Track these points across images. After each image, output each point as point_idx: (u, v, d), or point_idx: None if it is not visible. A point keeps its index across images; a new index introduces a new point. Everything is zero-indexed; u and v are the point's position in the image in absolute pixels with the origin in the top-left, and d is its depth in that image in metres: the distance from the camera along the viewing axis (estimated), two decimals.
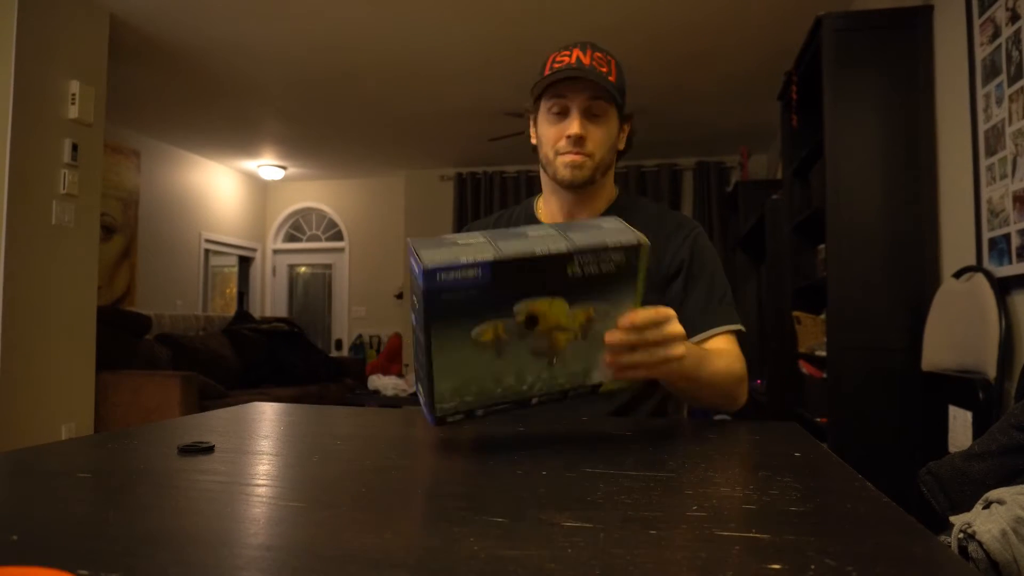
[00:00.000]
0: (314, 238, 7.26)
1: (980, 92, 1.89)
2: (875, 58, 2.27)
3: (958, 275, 1.96)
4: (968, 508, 0.92)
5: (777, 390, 3.53)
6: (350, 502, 0.53)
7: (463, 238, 0.68)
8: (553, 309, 0.68)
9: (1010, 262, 1.73)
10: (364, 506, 0.52)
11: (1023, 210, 1.68)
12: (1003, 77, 1.77)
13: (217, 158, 6.21)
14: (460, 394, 0.70)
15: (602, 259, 0.68)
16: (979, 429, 1.71)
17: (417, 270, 0.64)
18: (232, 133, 5.40)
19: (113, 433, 0.82)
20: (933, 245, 2.17)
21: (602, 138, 1.07)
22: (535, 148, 1.15)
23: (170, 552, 0.40)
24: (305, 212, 7.26)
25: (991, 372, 1.70)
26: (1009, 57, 1.74)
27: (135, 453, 0.72)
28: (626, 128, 1.15)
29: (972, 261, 1.92)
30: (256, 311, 6.91)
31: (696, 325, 1.07)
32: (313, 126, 5.21)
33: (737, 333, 1.09)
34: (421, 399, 0.74)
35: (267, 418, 0.98)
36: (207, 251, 6.29)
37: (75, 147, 3.05)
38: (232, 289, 7.04)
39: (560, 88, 1.06)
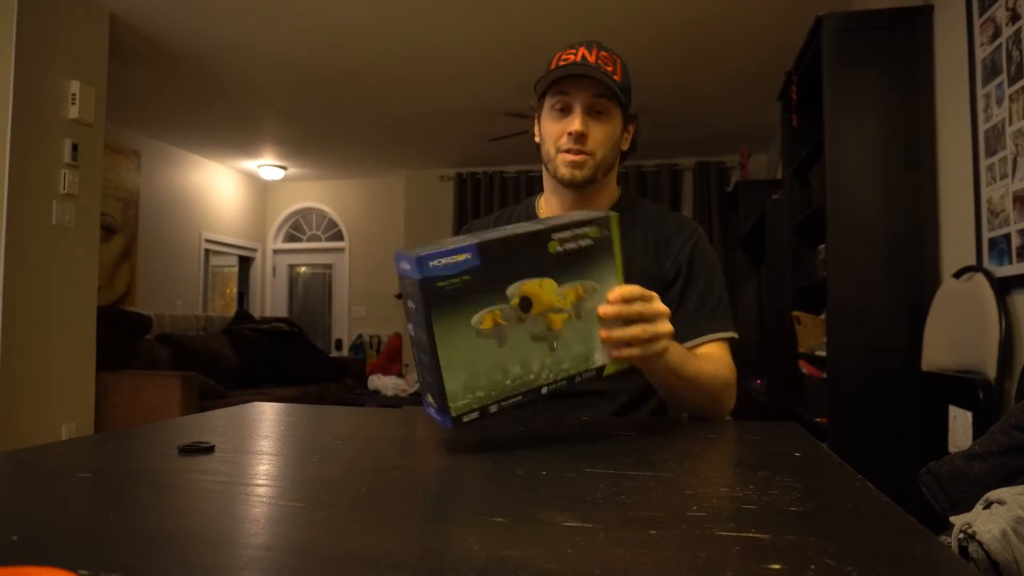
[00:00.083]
0: (314, 238, 7.26)
1: (980, 92, 1.89)
2: (875, 58, 2.27)
3: (958, 275, 1.96)
4: (968, 508, 0.92)
5: (777, 390, 3.53)
6: (350, 502, 0.53)
7: (448, 240, 0.72)
8: (544, 289, 0.72)
9: (1010, 262, 1.73)
10: (364, 506, 0.52)
11: (1023, 210, 1.68)
12: (1003, 77, 1.77)
13: (217, 158, 6.21)
14: (471, 390, 0.70)
15: (578, 234, 0.74)
16: (979, 429, 1.71)
17: (409, 265, 0.67)
18: (232, 133, 5.40)
19: (113, 433, 0.82)
20: (933, 245, 2.17)
21: (604, 137, 1.06)
22: (539, 146, 1.14)
23: (170, 552, 0.40)
24: (305, 212, 7.26)
25: (991, 372, 1.70)
26: (1009, 57, 1.74)
27: (135, 453, 0.72)
28: (631, 129, 1.14)
29: (972, 261, 1.92)
30: (256, 311, 6.91)
31: (689, 331, 1.06)
32: (313, 126, 5.21)
33: (731, 340, 1.09)
34: (432, 411, 0.72)
35: (267, 418, 0.98)
36: (207, 251, 6.29)
37: (75, 147, 3.05)
38: (232, 289, 7.04)
39: (563, 85, 1.05)
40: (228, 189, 6.57)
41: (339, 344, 6.94)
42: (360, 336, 6.81)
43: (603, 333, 0.76)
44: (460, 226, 6.06)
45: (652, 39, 3.50)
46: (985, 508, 0.88)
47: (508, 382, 0.72)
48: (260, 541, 0.43)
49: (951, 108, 2.10)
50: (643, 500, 0.52)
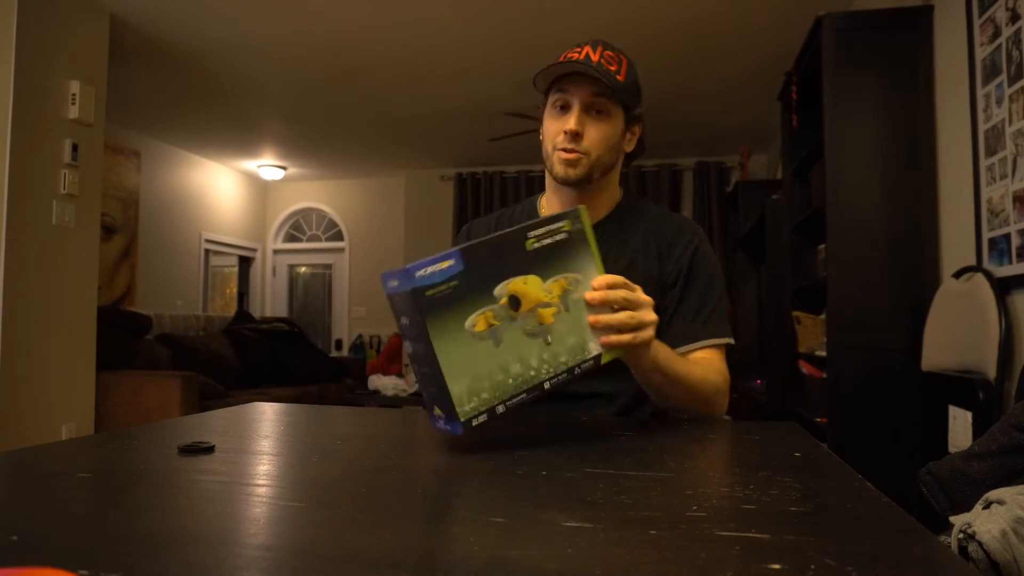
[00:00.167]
0: (314, 238, 7.26)
1: (980, 92, 1.89)
2: (875, 58, 2.27)
3: (958, 275, 1.96)
4: (968, 508, 0.92)
5: (777, 390, 3.53)
6: (350, 502, 0.54)
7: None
8: (529, 286, 0.75)
9: (1010, 262, 1.73)
10: (364, 506, 0.52)
11: (1023, 210, 1.68)
12: (1003, 77, 1.77)
13: (217, 158, 6.21)
14: (476, 392, 0.70)
15: (551, 229, 0.77)
16: (979, 429, 1.71)
17: (397, 281, 0.69)
18: (232, 133, 5.40)
19: (113, 433, 0.82)
20: (933, 245, 2.17)
21: (601, 136, 1.05)
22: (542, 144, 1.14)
23: (170, 552, 0.40)
24: (305, 212, 7.26)
25: (991, 372, 1.70)
26: (1009, 57, 1.74)
27: (135, 453, 0.72)
28: (635, 130, 1.12)
29: (972, 261, 1.92)
30: (256, 311, 6.91)
31: (685, 335, 1.06)
32: (313, 126, 5.21)
33: (726, 346, 1.09)
34: (441, 423, 0.73)
35: (267, 418, 0.98)
36: (207, 251, 6.29)
37: (75, 147, 3.05)
38: (232, 289, 7.04)
39: (564, 83, 1.05)
40: (228, 189, 6.57)
41: (339, 344, 6.94)
42: (360, 336, 6.81)
43: (591, 318, 0.79)
44: (460, 226, 6.05)
45: (652, 39, 3.50)
46: (985, 508, 0.88)
47: (510, 381, 0.72)
48: (260, 541, 0.43)
49: (951, 108, 2.10)
50: (643, 500, 0.52)
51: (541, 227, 0.77)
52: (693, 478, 0.61)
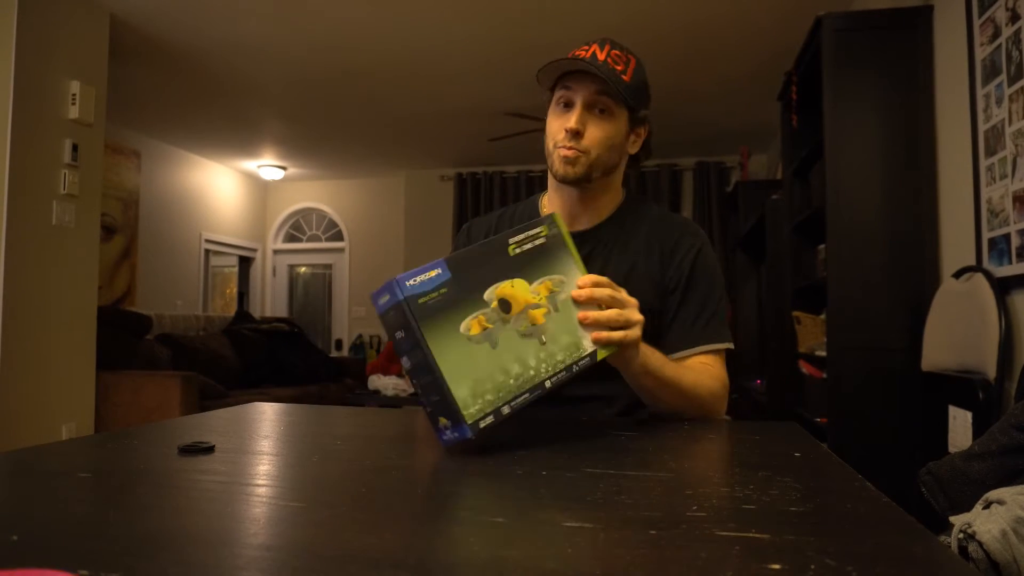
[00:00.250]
0: (314, 238, 7.26)
1: (980, 92, 1.89)
2: (875, 58, 2.27)
3: (958, 275, 1.96)
4: (968, 508, 0.92)
5: (777, 390, 3.53)
6: (350, 502, 0.54)
7: None
8: (517, 289, 0.77)
9: (1010, 262, 1.73)
10: (364, 506, 0.52)
11: (1023, 210, 1.68)
12: (1003, 77, 1.77)
13: (217, 158, 6.21)
14: (479, 395, 0.70)
15: (530, 235, 0.81)
16: (979, 429, 1.70)
17: (388, 295, 0.70)
18: (232, 133, 5.40)
19: (113, 433, 0.82)
20: (933, 245, 2.17)
21: (602, 136, 1.04)
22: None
23: (170, 552, 0.40)
24: (305, 212, 7.26)
25: (991, 372, 1.70)
26: (1009, 57, 1.74)
27: (135, 453, 0.72)
28: (640, 132, 1.11)
29: (972, 261, 1.92)
30: (256, 311, 6.91)
31: (683, 340, 1.06)
32: (313, 126, 5.21)
33: (726, 351, 1.08)
34: (448, 432, 0.71)
35: (267, 418, 0.98)
36: (207, 251, 6.29)
37: (75, 147, 3.05)
38: (232, 289, 7.04)
39: (568, 80, 1.04)
40: (228, 189, 6.57)
41: (339, 344, 6.94)
42: (360, 336, 6.81)
43: (580, 314, 0.81)
44: (460, 226, 6.05)
45: (653, 39, 3.50)
46: (985, 508, 0.88)
47: (512, 381, 0.73)
48: (260, 541, 0.43)
49: (951, 108, 2.10)
50: (643, 500, 0.52)
51: (520, 234, 0.80)
52: (693, 478, 0.61)
